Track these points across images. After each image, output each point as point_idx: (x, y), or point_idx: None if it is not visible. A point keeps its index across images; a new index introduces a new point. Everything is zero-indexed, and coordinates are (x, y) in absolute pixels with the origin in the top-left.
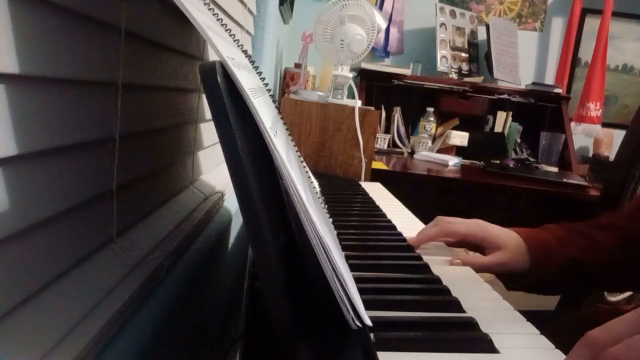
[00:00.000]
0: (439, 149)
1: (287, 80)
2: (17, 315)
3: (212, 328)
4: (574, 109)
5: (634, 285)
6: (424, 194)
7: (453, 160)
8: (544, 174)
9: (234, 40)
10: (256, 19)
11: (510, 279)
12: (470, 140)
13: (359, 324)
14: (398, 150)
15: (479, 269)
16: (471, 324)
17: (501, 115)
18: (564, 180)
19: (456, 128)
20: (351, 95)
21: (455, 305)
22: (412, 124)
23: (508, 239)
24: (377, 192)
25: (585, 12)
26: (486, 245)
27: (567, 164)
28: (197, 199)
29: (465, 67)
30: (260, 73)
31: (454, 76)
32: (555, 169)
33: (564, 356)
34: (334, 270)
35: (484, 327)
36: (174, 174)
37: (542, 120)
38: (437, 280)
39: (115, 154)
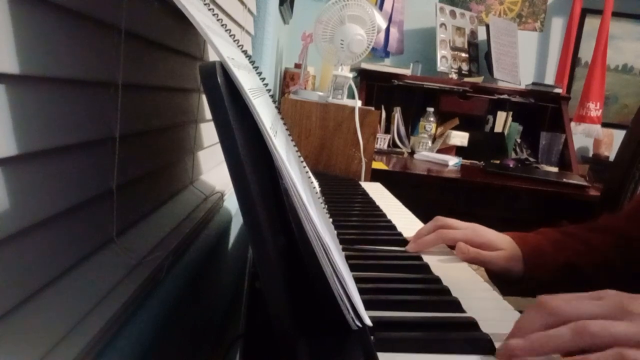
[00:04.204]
0: (439, 149)
1: (287, 80)
2: (17, 315)
3: (212, 327)
4: (574, 109)
5: (631, 288)
6: (424, 194)
7: (453, 160)
8: (544, 174)
9: (234, 41)
10: (256, 19)
11: (505, 284)
12: (470, 140)
13: (359, 324)
14: (398, 150)
15: (477, 260)
16: (471, 324)
17: (501, 115)
18: (564, 180)
19: (456, 128)
20: (351, 96)
21: (455, 305)
22: (412, 124)
23: (505, 243)
24: (377, 192)
25: (585, 12)
26: (484, 249)
27: (567, 164)
28: (197, 199)
29: (465, 67)
30: (260, 73)
31: (454, 76)
32: (555, 169)
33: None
34: (334, 270)
35: (484, 327)
36: (174, 174)
37: (542, 120)
38: (437, 280)
39: (115, 154)
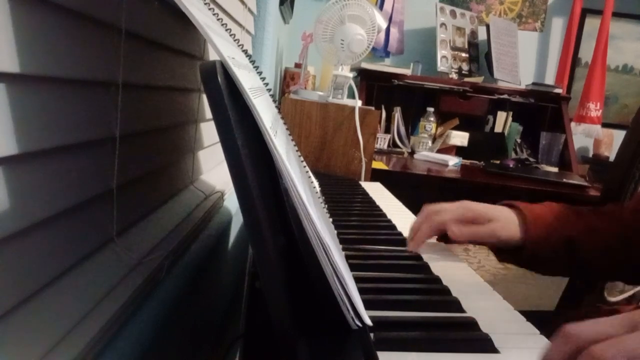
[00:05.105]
0: (439, 149)
1: (287, 80)
2: (17, 315)
3: (212, 327)
4: (574, 109)
5: (629, 277)
6: (424, 194)
7: (453, 160)
8: (544, 174)
9: (234, 40)
10: (256, 18)
11: (502, 251)
12: (470, 140)
13: (359, 323)
14: (398, 150)
15: (473, 238)
16: (471, 324)
17: (501, 115)
18: (564, 180)
19: (456, 128)
20: (351, 95)
21: (455, 305)
22: (412, 124)
23: (498, 212)
24: (377, 192)
25: (585, 12)
26: (478, 222)
27: (567, 164)
28: (197, 198)
29: (465, 67)
30: (260, 73)
31: (454, 76)
32: (555, 169)
33: None
34: (334, 270)
35: (484, 327)
36: (174, 173)
37: (542, 120)
38: (437, 280)
39: (115, 154)
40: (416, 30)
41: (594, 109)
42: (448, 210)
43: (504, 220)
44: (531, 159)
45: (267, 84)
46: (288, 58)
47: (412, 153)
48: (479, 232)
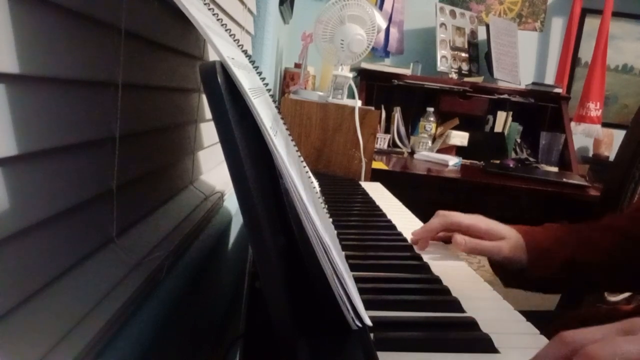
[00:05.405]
0: (439, 149)
1: (287, 80)
2: (17, 315)
3: (212, 328)
4: (574, 109)
5: (632, 287)
6: (424, 194)
7: (453, 160)
8: (544, 174)
9: (234, 40)
10: (256, 19)
11: (508, 276)
12: (470, 140)
13: (359, 323)
14: (398, 150)
15: (477, 250)
16: (471, 324)
17: (501, 115)
18: (564, 180)
19: (456, 128)
20: (351, 95)
21: (455, 305)
22: (412, 124)
23: (509, 233)
24: (377, 192)
25: (585, 12)
26: (487, 237)
27: (567, 164)
28: (197, 199)
29: (465, 67)
30: (260, 73)
31: (454, 76)
32: (555, 169)
33: None
34: (334, 270)
35: (484, 327)
36: (174, 174)
37: (542, 120)
38: (437, 280)
39: (115, 154)
40: (416, 30)
41: (594, 109)
42: (463, 215)
43: (513, 242)
44: (531, 159)
45: (267, 84)
46: (288, 58)
47: (412, 153)
48: (485, 246)
